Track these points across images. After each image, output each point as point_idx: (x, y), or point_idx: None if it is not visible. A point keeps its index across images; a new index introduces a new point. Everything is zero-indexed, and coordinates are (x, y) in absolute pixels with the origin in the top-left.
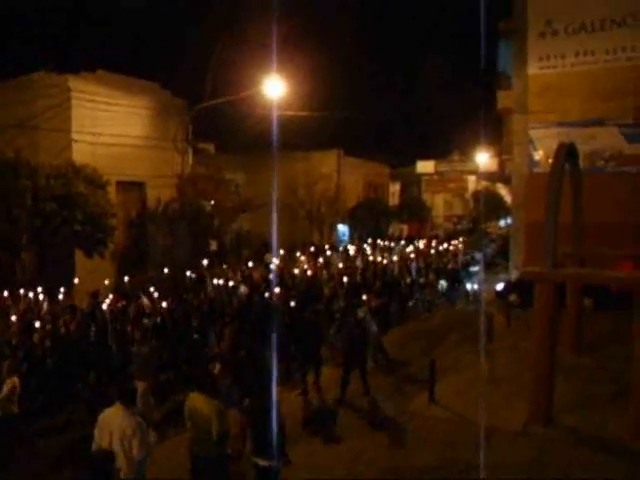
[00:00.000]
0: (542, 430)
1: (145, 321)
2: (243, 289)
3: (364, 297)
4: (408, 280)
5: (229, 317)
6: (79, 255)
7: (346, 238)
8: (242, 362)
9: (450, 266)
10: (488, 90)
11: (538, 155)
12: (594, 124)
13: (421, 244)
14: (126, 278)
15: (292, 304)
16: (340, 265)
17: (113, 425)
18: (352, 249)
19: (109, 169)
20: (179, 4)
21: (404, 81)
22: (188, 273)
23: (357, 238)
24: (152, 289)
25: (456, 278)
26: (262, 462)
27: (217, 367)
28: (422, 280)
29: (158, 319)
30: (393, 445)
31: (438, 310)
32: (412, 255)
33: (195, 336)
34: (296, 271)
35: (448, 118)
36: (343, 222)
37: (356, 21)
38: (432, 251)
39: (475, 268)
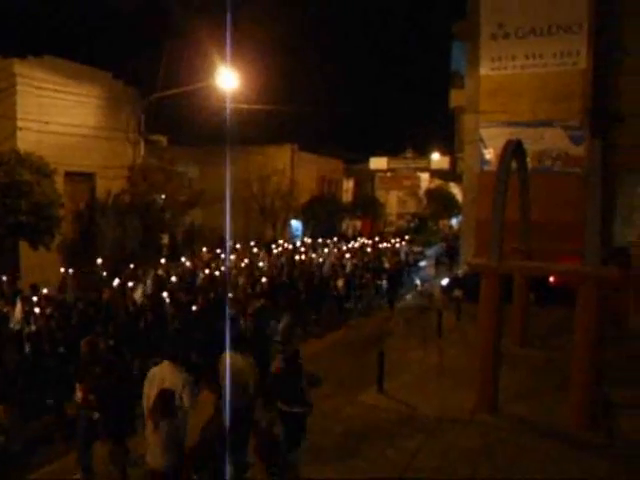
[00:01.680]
0: (489, 418)
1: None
2: (139, 292)
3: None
4: (340, 282)
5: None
6: (24, 246)
7: (299, 233)
8: (99, 381)
9: (387, 265)
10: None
11: (489, 154)
12: (542, 125)
13: (357, 243)
14: None
15: (194, 308)
16: (261, 264)
17: (164, 380)
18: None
19: (57, 159)
20: None
21: (359, 77)
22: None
23: (310, 234)
24: (45, 290)
25: (396, 277)
26: (288, 408)
27: (78, 391)
28: (357, 281)
29: (32, 327)
30: None
31: (377, 312)
32: (347, 254)
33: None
34: (207, 271)
35: (402, 115)
36: (297, 217)
37: (312, 16)
38: (369, 249)
39: (423, 263)
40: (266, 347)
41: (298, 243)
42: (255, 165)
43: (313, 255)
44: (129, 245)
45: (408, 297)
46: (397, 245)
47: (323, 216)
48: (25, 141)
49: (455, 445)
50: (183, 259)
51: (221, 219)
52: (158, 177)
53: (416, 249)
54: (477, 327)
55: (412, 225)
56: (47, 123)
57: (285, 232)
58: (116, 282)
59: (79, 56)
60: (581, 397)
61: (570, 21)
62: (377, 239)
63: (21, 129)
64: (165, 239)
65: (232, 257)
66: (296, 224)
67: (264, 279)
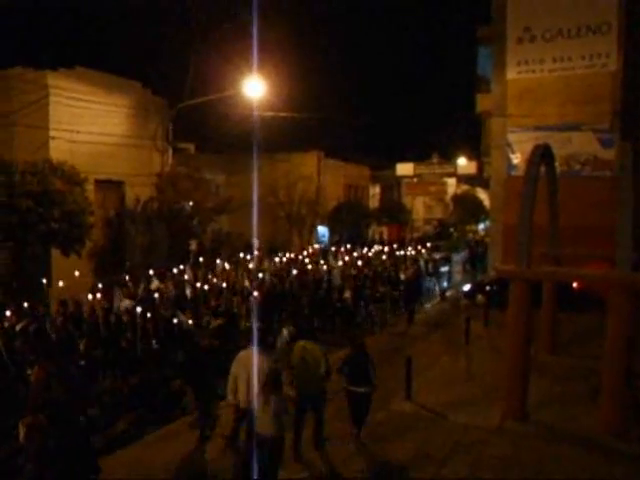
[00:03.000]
0: (517, 426)
1: None
2: (124, 306)
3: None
4: (347, 293)
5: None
6: (55, 254)
7: (326, 240)
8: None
9: (403, 275)
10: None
11: (516, 158)
12: (570, 129)
13: (371, 251)
14: None
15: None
16: (260, 275)
17: (249, 362)
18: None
19: (88, 167)
20: (161, 3)
21: (385, 83)
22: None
23: (337, 240)
24: (25, 304)
25: (413, 289)
26: (357, 389)
27: (21, 430)
28: (368, 292)
29: None
30: None
31: (390, 328)
32: (359, 261)
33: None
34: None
35: (428, 120)
36: (323, 224)
37: (338, 24)
38: (384, 257)
39: (445, 269)
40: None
41: (305, 252)
42: (282, 172)
43: (323, 263)
44: (157, 252)
45: (428, 306)
46: (414, 252)
47: (350, 222)
48: (57, 150)
49: (484, 453)
50: (181, 267)
51: (248, 225)
52: (186, 184)
53: (437, 256)
54: (505, 334)
55: (437, 231)
56: (78, 132)
57: (312, 238)
58: (98, 295)
59: (108, 65)
60: (612, 405)
61: (599, 21)
62: (395, 246)
63: (53, 139)
64: (193, 245)
65: (228, 267)
66: (322, 230)
67: (255, 293)
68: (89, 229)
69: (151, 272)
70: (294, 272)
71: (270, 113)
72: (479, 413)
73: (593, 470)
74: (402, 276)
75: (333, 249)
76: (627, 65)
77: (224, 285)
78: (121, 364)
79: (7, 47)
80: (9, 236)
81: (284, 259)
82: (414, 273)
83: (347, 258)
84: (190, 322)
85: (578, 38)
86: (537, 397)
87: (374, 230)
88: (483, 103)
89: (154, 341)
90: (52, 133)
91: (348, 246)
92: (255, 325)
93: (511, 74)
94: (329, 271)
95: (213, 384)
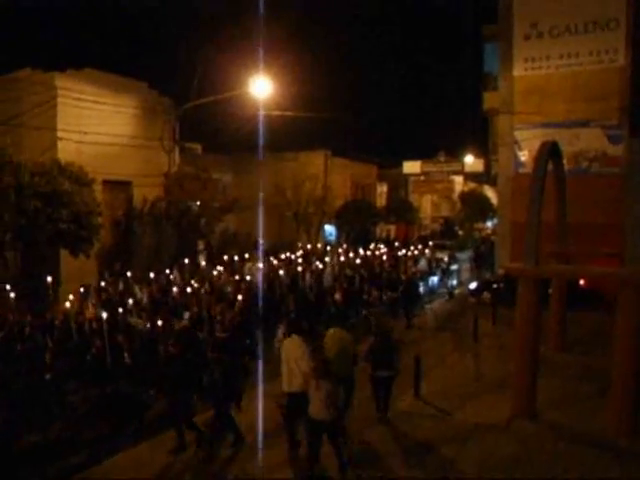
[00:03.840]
0: (526, 425)
1: None
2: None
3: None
4: (337, 295)
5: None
6: (64, 254)
7: (333, 238)
8: None
9: (404, 276)
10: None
11: (524, 156)
12: (578, 125)
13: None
14: None
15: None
16: (248, 278)
17: (291, 350)
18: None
19: (95, 168)
20: (167, 4)
21: (391, 81)
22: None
23: (339, 240)
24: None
25: (410, 290)
26: (382, 373)
27: None
28: (364, 296)
29: None
30: None
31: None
32: (358, 260)
33: None
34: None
35: (435, 118)
36: (330, 223)
37: (344, 23)
38: (384, 257)
39: (455, 267)
40: (191, 381)
41: (298, 252)
42: (289, 171)
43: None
44: (165, 252)
45: (429, 306)
46: (416, 252)
47: (357, 221)
48: (65, 151)
49: (493, 452)
50: (167, 272)
51: (255, 225)
52: (193, 184)
53: (440, 255)
54: (514, 332)
55: (440, 229)
56: (86, 133)
57: (319, 237)
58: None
59: (115, 66)
60: (621, 404)
61: (607, 17)
62: (397, 245)
63: (61, 140)
64: (201, 245)
65: (220, 269)
66: (330, 229)
67: (240, 297)
68: (97, 229)
69: (129, 274)
70: (281, 273)
71: (277, 112)
72: (487, 411)
73: (603, 470)
74: (403, 277)
75: (329, 248)
76: (635, 61)
77: (202, 291)
78: (87, 375)
79: (15, 49)
80: (18, 237)
81: (275, 262)
82: (414, 274)
83: (343, 258)
84: (147, 325)
85: (585, 34)
86: (546, 396)
87: (381, 228)
88: (490, 100)
89: (125, 352)
90: (60, 134)
91: (344, 246)
92: (224, 335)
93: (518, 71)
94: (319, 272)
95: (181, 395)
